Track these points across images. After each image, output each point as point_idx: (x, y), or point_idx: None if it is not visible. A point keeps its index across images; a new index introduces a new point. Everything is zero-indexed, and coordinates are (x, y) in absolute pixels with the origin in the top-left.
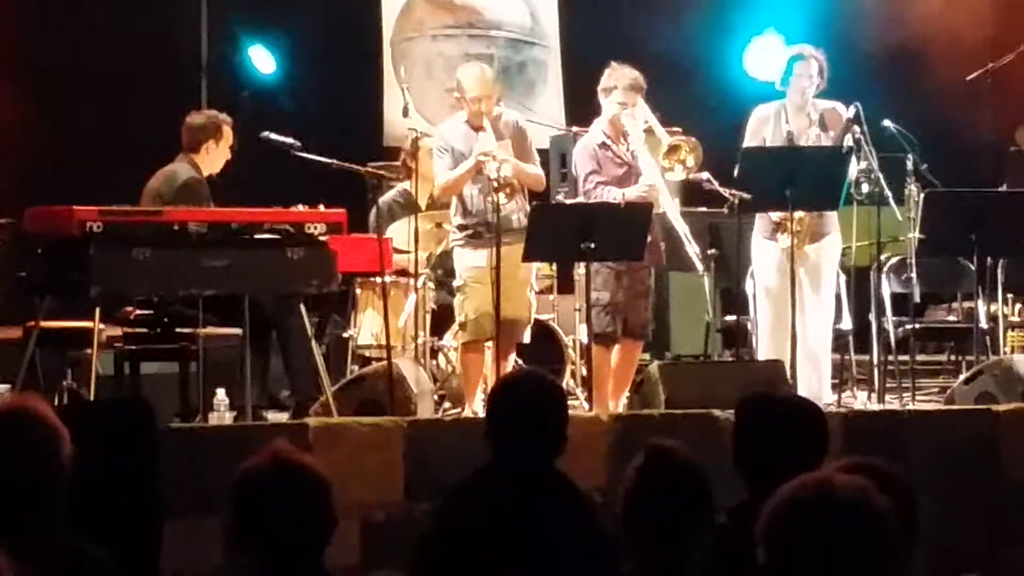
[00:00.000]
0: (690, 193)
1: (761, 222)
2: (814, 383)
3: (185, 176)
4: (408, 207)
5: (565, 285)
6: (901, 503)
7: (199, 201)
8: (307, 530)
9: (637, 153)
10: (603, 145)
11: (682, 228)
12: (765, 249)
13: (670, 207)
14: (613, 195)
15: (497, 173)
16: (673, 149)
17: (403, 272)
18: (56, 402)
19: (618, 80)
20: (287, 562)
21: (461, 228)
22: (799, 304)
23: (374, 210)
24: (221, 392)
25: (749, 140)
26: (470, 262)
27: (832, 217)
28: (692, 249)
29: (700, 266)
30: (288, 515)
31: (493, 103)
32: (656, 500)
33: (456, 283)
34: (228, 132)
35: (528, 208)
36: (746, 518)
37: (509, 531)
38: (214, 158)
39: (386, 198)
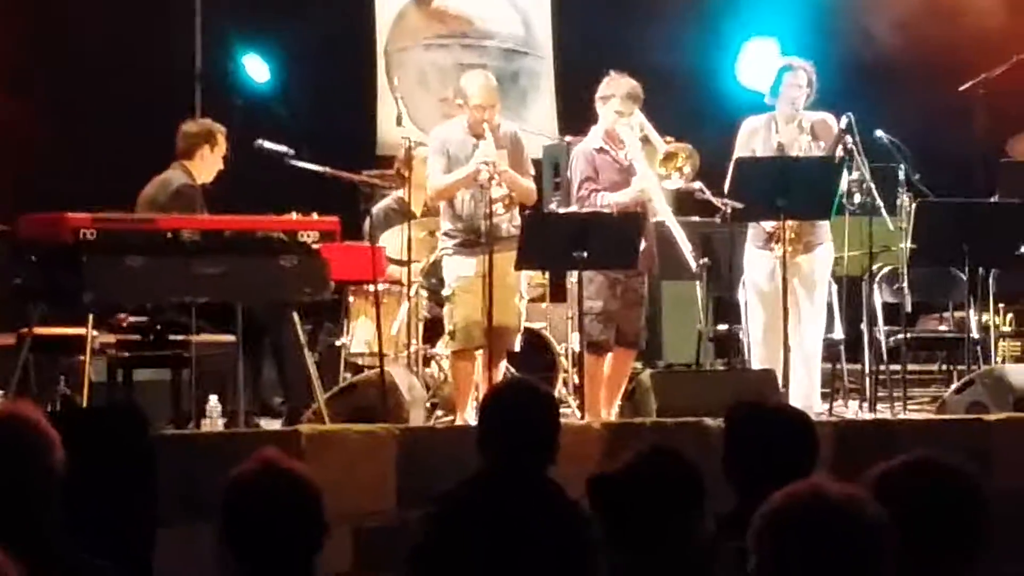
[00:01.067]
0: (682, 202)
1: (754, 232)
2: (807, 391)
3: (178, 183)
4: (402, 215)
5: (557, 293)
6: (969, 498)
7: (192, 208)
8: (297, 537)
9: (634, 161)
10: (601, 150)
11: (677, 230)
12: (758, 258)
13: (664, 210)
14: (606, 201)
15: (491, 182)
16: (669, 157)
17: (396, 281)
18: (49, 408)
19: (616, 89)
20: (277, 569)
21: (449, 235)
22: (793, 313)
23: (368, 218)
24: (214, 399)
25: (739, 152)
26: (459, 271)
27: (825, 227)
28: (686, 248)
29: (695, 264)
30: (277, 521)
31: (496, 112)
32: (649, 495)
33: (445, 292)
34: (222, 141)
35: (517, 216)
36: (736, 526)
37: (501, 539)
38: (208, 166)
39: (380, 206)
